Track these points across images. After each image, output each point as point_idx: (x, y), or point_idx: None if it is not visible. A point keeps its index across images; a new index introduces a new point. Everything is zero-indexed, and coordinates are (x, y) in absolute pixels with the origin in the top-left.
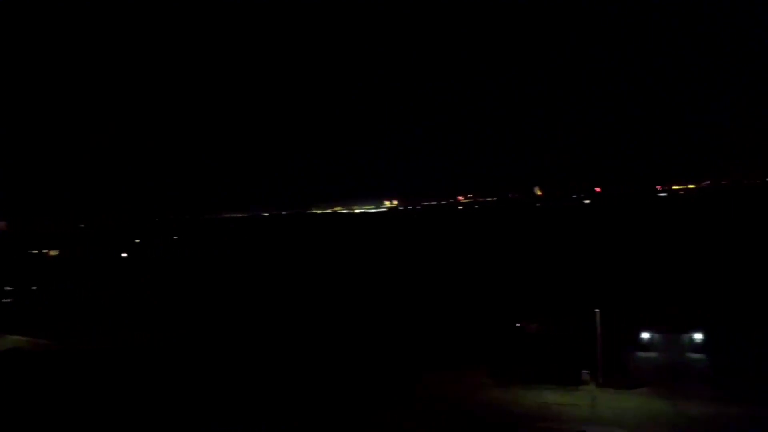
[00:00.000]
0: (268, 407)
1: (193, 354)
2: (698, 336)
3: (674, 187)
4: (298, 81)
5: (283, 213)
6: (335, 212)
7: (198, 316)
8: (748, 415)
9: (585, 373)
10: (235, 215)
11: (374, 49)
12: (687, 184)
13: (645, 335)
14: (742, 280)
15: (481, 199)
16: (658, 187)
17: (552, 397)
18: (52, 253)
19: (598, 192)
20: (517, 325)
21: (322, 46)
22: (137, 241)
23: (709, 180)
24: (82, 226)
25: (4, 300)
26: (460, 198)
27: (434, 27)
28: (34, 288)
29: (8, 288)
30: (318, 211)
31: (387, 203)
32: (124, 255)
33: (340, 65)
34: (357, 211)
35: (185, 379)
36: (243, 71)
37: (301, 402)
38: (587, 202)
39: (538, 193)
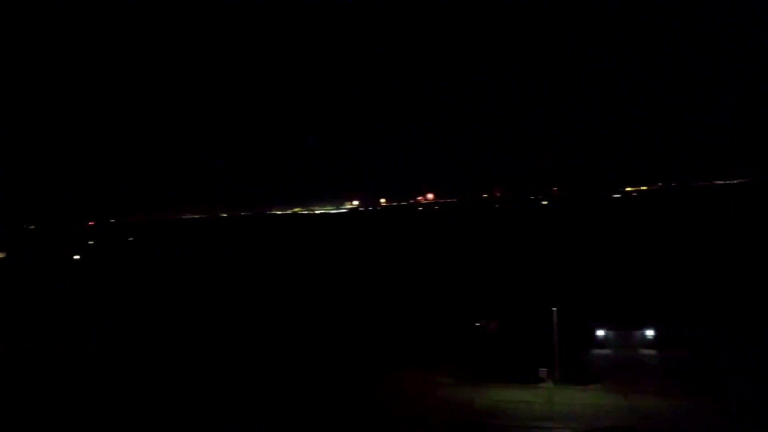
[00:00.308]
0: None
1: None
2: (649, 332)
3: (627, 189)
4: (268, 79)
5: (242, 214)
6: (295, 213)
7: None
8: (697, 407)
9: (542, 371)
10: (192, 216)
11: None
12: (639, 187)
13: (599, 333)
14: (692, 278)
15: (441, 200)
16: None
17: (510, 395)
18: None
19: (555, 192)
20: (477, 324)
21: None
22: (90, 242)
23: (660, 183)
24: (32, 227)
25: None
26: (420, 199)
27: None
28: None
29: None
30: (278, 212)
31: (348, 204)
32: (76, 257)
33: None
34: (317, 212)
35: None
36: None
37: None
38: (545, 203)
39: (497, 194)
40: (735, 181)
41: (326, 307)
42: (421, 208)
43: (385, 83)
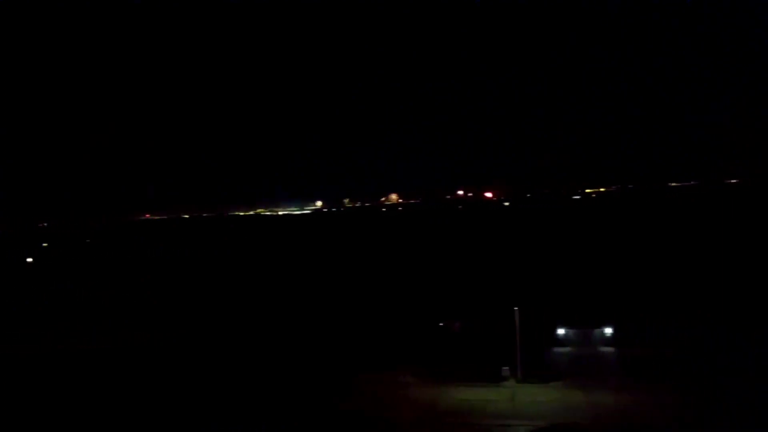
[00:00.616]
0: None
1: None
2: (608, 330)
3: (587, 191)
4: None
5: (204, 215)
6: (258, 214)
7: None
8: (654, 402)
9: (505, 370)
10: (154, 217)
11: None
12: (599, 188)
13: (561, 331)
14: (648, 277)
15: (405, 201)
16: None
17: (474, 394)
18: None
19: (496, 194)
20: (440, 324)
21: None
22: (44, 245)
23: (614, 186)
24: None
25: None
26: (383, 200)
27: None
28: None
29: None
30: (240, 213)
31: (312, 205)
32: (29, 260)
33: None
34: (281, 213)
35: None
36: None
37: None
38: (507, 204)
39: (461, 194)
40: (690, 183)
41: (288, 310)
42: (384, 209)
43: (352, 83)
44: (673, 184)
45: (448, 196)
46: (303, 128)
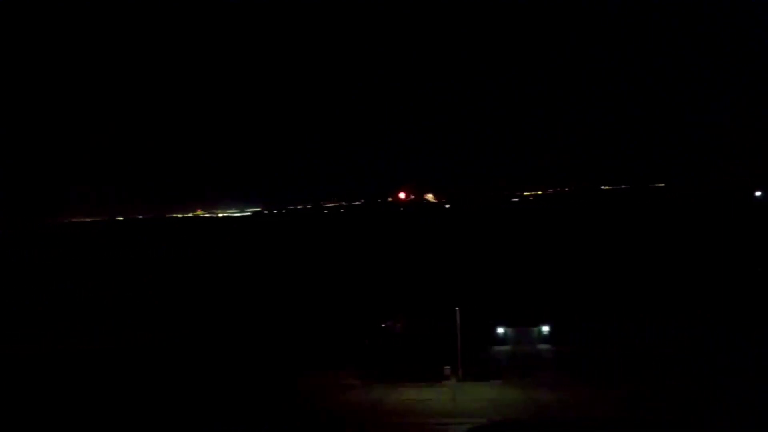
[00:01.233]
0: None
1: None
2: (545, 328)
3: (525, 193)
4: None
5: (140, 217)
6: (196, 216)
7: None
8: (590, 397)
9: (446, 369)
10: (86, 219)
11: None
12: (536, 191)
13: (499, 330)
14: (584, 276)
15: (347, 204)
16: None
17: (416, 394)
18: None
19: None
20: (383, 325)
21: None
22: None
23: (551, 188)
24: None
25: None
26: (323, 202)
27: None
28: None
29: None
30: (179, 215)
31: (252, 207)
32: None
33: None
34: (220, 215)
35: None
36: None
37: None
38: (447, 206)
39: (402, 196)
40: (623, 186)
41: (231, 313)
42: (326, 211)
43: (291, 81)
44: (605, 187)
45: (390, 199)
46: (252, 127)
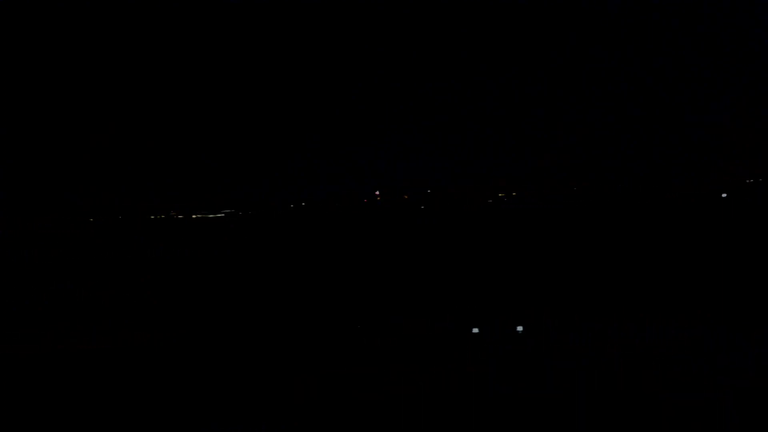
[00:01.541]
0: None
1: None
2: (519, 328)
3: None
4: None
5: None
6: (170, 217)
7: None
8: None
9: None
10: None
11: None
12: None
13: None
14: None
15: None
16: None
17: None
18: None
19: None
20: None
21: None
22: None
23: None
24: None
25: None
26: (293, 204)
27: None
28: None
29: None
30: (152, 216)
31: (225, 209)
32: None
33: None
34: (194, 216)
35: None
36: None
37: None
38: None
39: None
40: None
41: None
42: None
43: (262, 79)
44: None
45: (365, 200)
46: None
